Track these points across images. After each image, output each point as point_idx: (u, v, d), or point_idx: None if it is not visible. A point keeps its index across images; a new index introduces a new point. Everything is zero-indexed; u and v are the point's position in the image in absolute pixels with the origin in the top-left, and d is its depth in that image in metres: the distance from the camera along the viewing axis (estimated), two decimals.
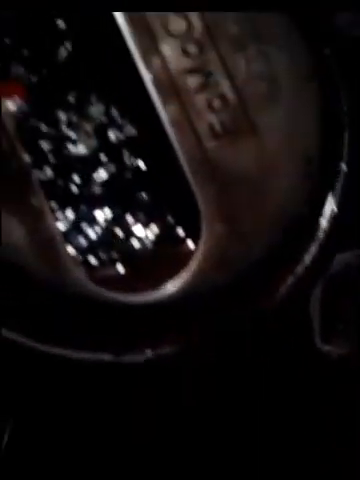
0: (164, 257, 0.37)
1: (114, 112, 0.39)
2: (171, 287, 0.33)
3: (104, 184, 0.38)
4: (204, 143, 0.34)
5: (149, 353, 0.34)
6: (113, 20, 0.34)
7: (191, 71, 0.34)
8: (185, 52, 0.34)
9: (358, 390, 0.38)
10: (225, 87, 0.34)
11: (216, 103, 0.34)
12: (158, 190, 0.37)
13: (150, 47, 0.34)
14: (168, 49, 0.34)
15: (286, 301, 0.36)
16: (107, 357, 0.34)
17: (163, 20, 0.34)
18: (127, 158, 0.38)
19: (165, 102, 0.33)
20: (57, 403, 0.36)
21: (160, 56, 0.34)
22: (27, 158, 0.34)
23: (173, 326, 0.34)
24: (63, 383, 0.36)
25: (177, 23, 0.34)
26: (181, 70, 0.34)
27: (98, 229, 0.38)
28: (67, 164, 0.38)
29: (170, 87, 0.34)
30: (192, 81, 0.34)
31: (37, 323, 0.33)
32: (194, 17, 0.34)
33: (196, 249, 0.34)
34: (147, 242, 0.37)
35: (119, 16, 0.34)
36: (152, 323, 0.33)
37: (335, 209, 0.37)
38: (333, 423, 0.39)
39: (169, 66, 0.34)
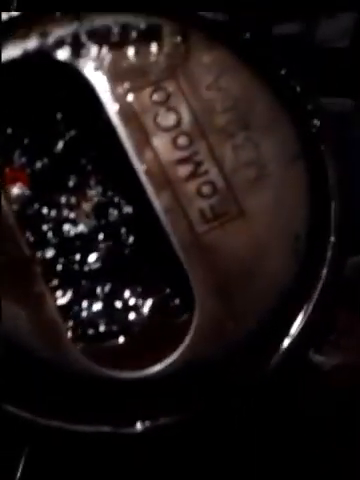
0: (161, 329, 0.38)
1: (111, 194, 0.41)
2: (168, 361, 0.35)
3: (103, 260, 0.40)
4: (196, 228, 0.36)
5: (146, 424, 0.35)
6: (107, 115, 0.36)
7: (181, 161, 0.36)
8: (175, 144, 0.36)
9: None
10: (214, 174, 0.36)
11: (206, 189, 0.36)
12: (154, 265, 0.39)
13: (142, 141, 0.36)
14: (159, 142, 0.36)
15: (277, 371, 0.37)
16: (106, 429, 0.35)
17: (154, 115, 0.36)
18: (124, 236, 0.40)
19: (157, 191, 0.36)
20: (58, 473, 0.38)
21: (152, 149, 0.36)
22: (28, 244, 0.37)
23: (169, 398, 0.36)
24: (63, 454, 0.37)
25: (167, 117, 0.37)
26: (172, 161, 0.36)
27: (98, 303, 0.40)
28: (68, 243, 0.41)
29: (162, 177, 0.36)
30: (182, 170, 0.36)
31: (38, 398, 0.35)
32: (184, 110, 0.37)
33: (190, 323, 0.36)
34: (144, 314, 0.39)
35: (113, 113, 0.36)
36: (149, 396, 0.35)
37: (325, 278, 0.39)
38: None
39: (160, 158, 0.36)
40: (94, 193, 0.41)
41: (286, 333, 0.37)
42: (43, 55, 0.36)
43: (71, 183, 0.40)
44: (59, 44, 0.36)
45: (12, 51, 0.36)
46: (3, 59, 0.35)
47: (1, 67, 0.35)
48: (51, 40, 0.36)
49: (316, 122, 0.40)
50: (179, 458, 0.40)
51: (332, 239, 0.39)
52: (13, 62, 0.36)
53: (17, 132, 0.40)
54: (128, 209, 0.40)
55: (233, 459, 0.41)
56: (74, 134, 0.40)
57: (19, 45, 0.36)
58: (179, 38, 0.38)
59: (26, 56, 0.36)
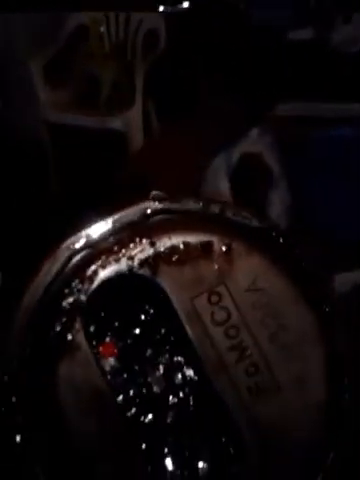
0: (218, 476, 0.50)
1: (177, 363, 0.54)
2: None
3: (172, 417, 0.53)
4: (245, 401, 0.48)
5: None
6: (176, 314, 0.50)
7: (232, 348, 0.49)
8: (227, 334, 0.50)
9: None
10: (256, 357, 0.49)
11: (251, 370, 0.49)
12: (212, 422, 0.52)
13: (202, 333, 0.49)
14: (215, 334, 0.49)
15: None
16: None
17: (211, 313, 0.50)
18: (188, 398, 0.53)
19: (215, 373, 0.49)
20: None
21: (210, 339, 0.49)
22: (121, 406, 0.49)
23: None
24: None
25: (220, 314, 0.50)
26: (225, 348, 0.49)
27: (173, 454, 0.52)
28: (147, 402, 0.53)
29: (218, 362, 0.49)
30: (233, 355, 0.49)
31: None
32: (231, 308, 0.50)
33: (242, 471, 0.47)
34: (206, 464, 0.51)
35: (181, 312, 0.50)
36: None
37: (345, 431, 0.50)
38: None
39: (216, 346, 0.49)
40: (164, 362, 0.54)
41: (317, 475, 0.49)
42: (131, 274, 0.50)
43: (148, 354, 0.54)
44: (142, 265, 0.51)
45: (109, 272, 0.50)
46: (104, 278, 0.50)
47: (101, 285, 0.49)
48: (136, 262, 0.51)
49: (328, 305, 0.53)
50: None
51: (347, 397, 0.51)
52: (109, 280, 0.50)
53: (109, 319, 0.54)
54: (191, 375, 0.53)
55: None
56: (150, 320, 0.54)
57: (114, 267, 0.50)
58: (225, 249, 0.52)
59: (119, 274, 0.50)
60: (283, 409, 0.48)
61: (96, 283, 0.49)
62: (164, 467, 0.50)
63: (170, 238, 0.52)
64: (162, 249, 0.51)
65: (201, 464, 0.50)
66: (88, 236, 0.51)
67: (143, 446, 0.50)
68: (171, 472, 0.50)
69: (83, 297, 0.49)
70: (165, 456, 0.51)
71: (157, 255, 0.51)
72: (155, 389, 0.53)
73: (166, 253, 0.51)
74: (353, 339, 0.54)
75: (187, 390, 0.52)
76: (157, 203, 0.54)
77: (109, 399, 0.48)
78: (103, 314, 0.54)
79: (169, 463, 0.51)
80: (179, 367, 0.53)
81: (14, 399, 0.46)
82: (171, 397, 0.53)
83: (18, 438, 0.45)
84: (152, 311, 0.53)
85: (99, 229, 0.52)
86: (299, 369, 0.49)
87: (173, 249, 0.52)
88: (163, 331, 0.54)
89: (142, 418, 0.52)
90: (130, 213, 0.53)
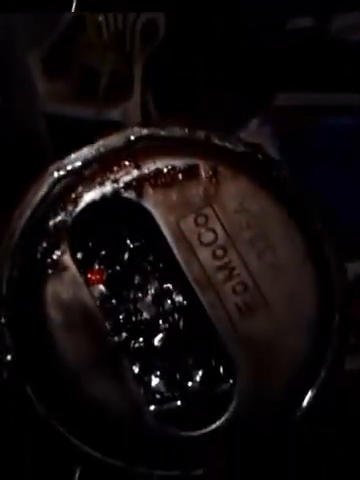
0: (209, 394, 0.51)
1: (166, 289, 0.54)
2: (219, 421, 0.47)
3: (163, 341, 0.53)
4: (233, 318, 0.48)
5: (205, 469, 0.47)
6: (163, 236, 0.50)
7: (220, 268, 0.49)
8: (214, 255, 0.49)
9: None
10: (244, 276, 0.49)
11: (239, 288, 0.49)
12: (201, 343, 0.52)
13: (189, 254, 0.49)
14: (202, 255, 0.49)
15: (301, 421, 0.49)
16: (175, 473, 0.48)
17: (198, 235, 0.50)
18: (177, 321, 0.53)
19: (203, 291, 0.49)
20: None
21: (197, 260, 0.49)
22: (109, 331, 0.50)
23: (220, 447, 0.48)
24: None
25: (207, 236, 0.50)
26: (213, 268, 0.49)
27: (162, 374, 0.52)
28: (136, 328, 0.54)
29: (206, 280, 0.49)
30: (221, 275, 0.49)
31: (121, 448, 0.48)
32: (219, 229, 0.50)
33: (233, 390, 0.48)
34: (197, 383, 0.52)
35: (167, 234, 0.49)
36: (204, 448, 0.47)
37: (335, 347, 0.51)
38: None
39: (204, 266, 0.49)
40: (153, 288, 0.54)
41: (307, 390, 0.49)
42: (117, 197, 0.50)
43: (136, 281, 0.54)
44: (127, 187, 0.50)
45: (94, 195, 0.50)
46: (88, 200, 0.49)
47: (86, 208, 0.49)
48: (121, 185, 0.50)
49: (319, 226, 0.53)
50: None
51: (337, 317, 0.51)
52: (94, 202, 0.50)
53: (96, 247, 0.54)
54: (180, 300, 0.53)
55: None
56: (138, 246, 0.54)
57: (98, 190, 0.50)
58: (211, 173, 0.52)
59: (104, 197, 0.50)
60: (272, 326, 0.48)
61: (81, 205, 0.49)
62: (155, 387, 0.51)
63: (155, 162, 0.51)
64: (147, 172, 0.51)
65: (191, 384, 0.51)
66: (73, 161, 0.51)
67: (134, 368, 0.51)
68: (162, 393, 0.51)
69: (68, 219, 0.48)
70: (156, 378, 0.52)
71: (142, 178, 0.51)
72: (145, 315, 0.54)
73: (151, 176, 0.51)
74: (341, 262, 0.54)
75: (177, 315, 0.52)
76: (141, 129, 0.54)
77: (98, 320, 0.49)
78: (90, 242, 0.54)
79: (160, 384, 0.51)
80: (168, 293, 0.53)
81: (3, 320, 0.46)
82: (161, 322, 0.53)
83: (9, 357, 0.45)
84: (139, 237, 0.53)
85: (83, 154, 0.51)
86: (287, 287, 0.50)
87: (158, 172, 0.51)
88: (151, 258, 0.54)
89: (132, 343, 0.52)
90: (114, 139, 0.53)
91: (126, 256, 0.54)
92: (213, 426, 0.46)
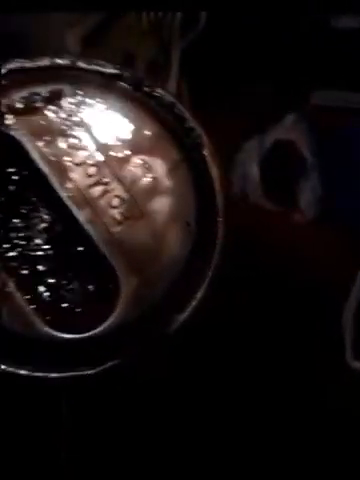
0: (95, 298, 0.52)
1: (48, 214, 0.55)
2: (106, 323, 0.49)
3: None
4: (111, 229, 0.50)
5: (91, 370, 0.50)
6: (35, 163, 0.50)
7: (94, 184, 0.50)
8: (87, 173, 0.50)
9: None
10: (119, 190, 0.50)
11: (115, 202, 0.50)
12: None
13: (63, 176, 0.50)
14: (75, 174, 0.50)
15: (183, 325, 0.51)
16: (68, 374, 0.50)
17: (68, 155, 0.50)
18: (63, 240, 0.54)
19: (80, 209, 0.50)
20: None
21: (71, 180, 0.50)
22: None
23: (110, 348, 0.50)
24: None
25: (78, 156, 0.51)
26: (87, 186, 0.50)
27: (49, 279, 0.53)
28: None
29: (81, 198, 0.50)
30: (95, 191, 0.50)
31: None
32: (90, 148, 0.51)
33: (118, 295, 0.50)
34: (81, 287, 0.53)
35: (38, 160, 0.50)
36: (91, 351, 0.49)
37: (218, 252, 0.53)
38: None
39: (78, 185, 0.50)
40: (40, 216, 0.54)
41: (190, 296, 0.51)
42: None
43: (24, 211, 0.54)
44: None
45: None
46: None
47: None
48: None
49: (196, 132, 0.54)
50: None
51: (219, 219, 0.53)
52: None
53: None
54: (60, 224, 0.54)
55: None
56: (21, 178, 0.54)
57: None
58: (76, 96, 0.52)
59: None
60: (150, 232, 0.50)
61: None
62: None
63: (18, 91, 0.52)
64: (8, 102, 0.51)
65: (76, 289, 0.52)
66: None
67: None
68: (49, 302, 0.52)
69: None
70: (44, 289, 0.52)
71: (7, 107, 0.51)
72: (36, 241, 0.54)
73: (15, 105, 0.51)
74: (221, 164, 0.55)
75: (53, 235, 0.53)
76: (10, 63, 0.54)
77: None
78: None
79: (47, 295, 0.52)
80: (48, 215, 0.54)
81: None
82: (44, 245, 0.54)
83: None
84: (16, 170, 0.54)
85: None
86: (163, 195, 0.51)
87: (21, 99, 0.52)
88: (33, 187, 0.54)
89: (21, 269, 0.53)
90: None
91: (12, 188, 0.54)
92: (100, 328, 0.48)
